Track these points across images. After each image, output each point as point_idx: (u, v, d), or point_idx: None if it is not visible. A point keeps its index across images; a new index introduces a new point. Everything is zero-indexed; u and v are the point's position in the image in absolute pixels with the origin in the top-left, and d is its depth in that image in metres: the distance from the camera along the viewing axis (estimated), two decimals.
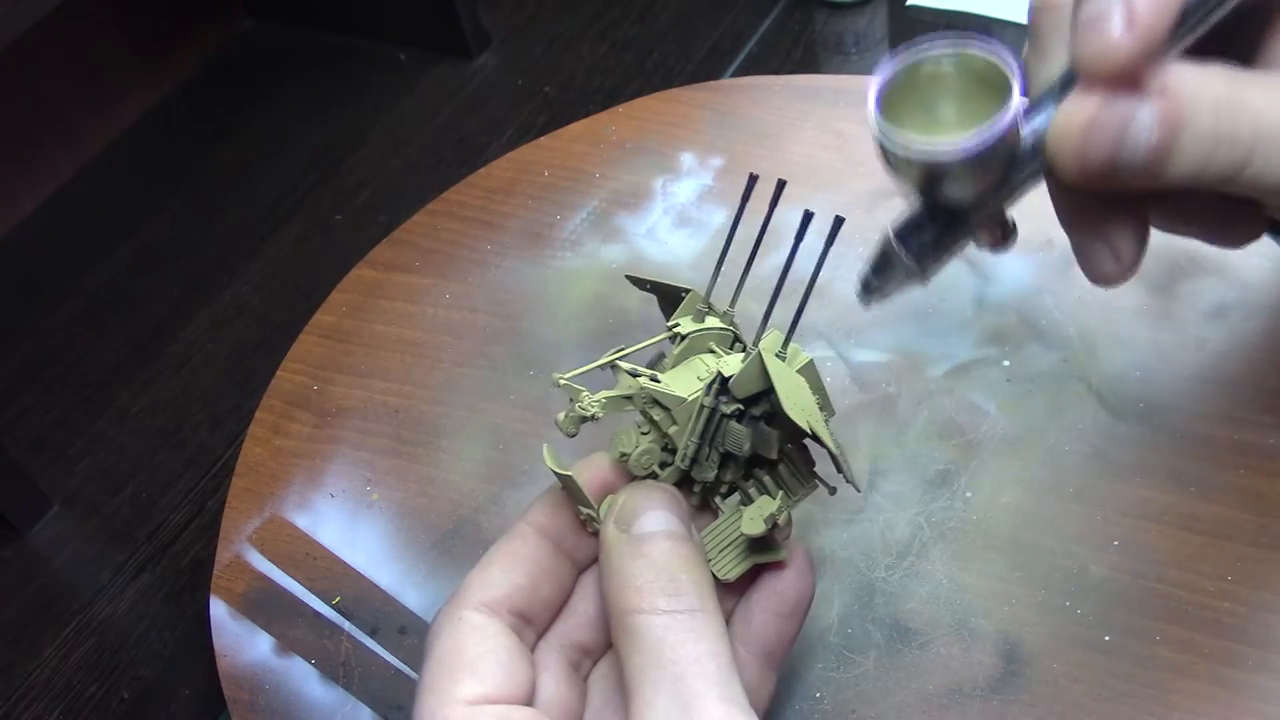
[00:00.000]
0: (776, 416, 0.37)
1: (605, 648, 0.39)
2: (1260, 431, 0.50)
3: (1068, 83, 0.33)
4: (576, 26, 1.09)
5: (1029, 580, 0.48)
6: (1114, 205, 0.36)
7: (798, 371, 0.38)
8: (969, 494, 0.50)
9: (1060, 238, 0.37)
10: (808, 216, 0.37)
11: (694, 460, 0.37)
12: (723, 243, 0.39)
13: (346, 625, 0.52)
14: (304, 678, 0.51)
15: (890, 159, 0.33)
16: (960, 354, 0.55)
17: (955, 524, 0.50)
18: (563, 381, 0.37)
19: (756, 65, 0.99)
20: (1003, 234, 0.38)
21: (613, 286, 0.61)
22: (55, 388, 0.89)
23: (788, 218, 0.63)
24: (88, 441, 0.84)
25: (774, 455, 0.38)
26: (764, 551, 0.38)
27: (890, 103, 0.33)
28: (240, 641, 0.52)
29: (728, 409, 0.37)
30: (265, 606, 0.53)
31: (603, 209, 0.66)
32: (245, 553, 0.55)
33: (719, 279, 0.40)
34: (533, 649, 0.37)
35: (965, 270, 0.57)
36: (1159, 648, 0.45)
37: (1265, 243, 0.53)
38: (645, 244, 0.63)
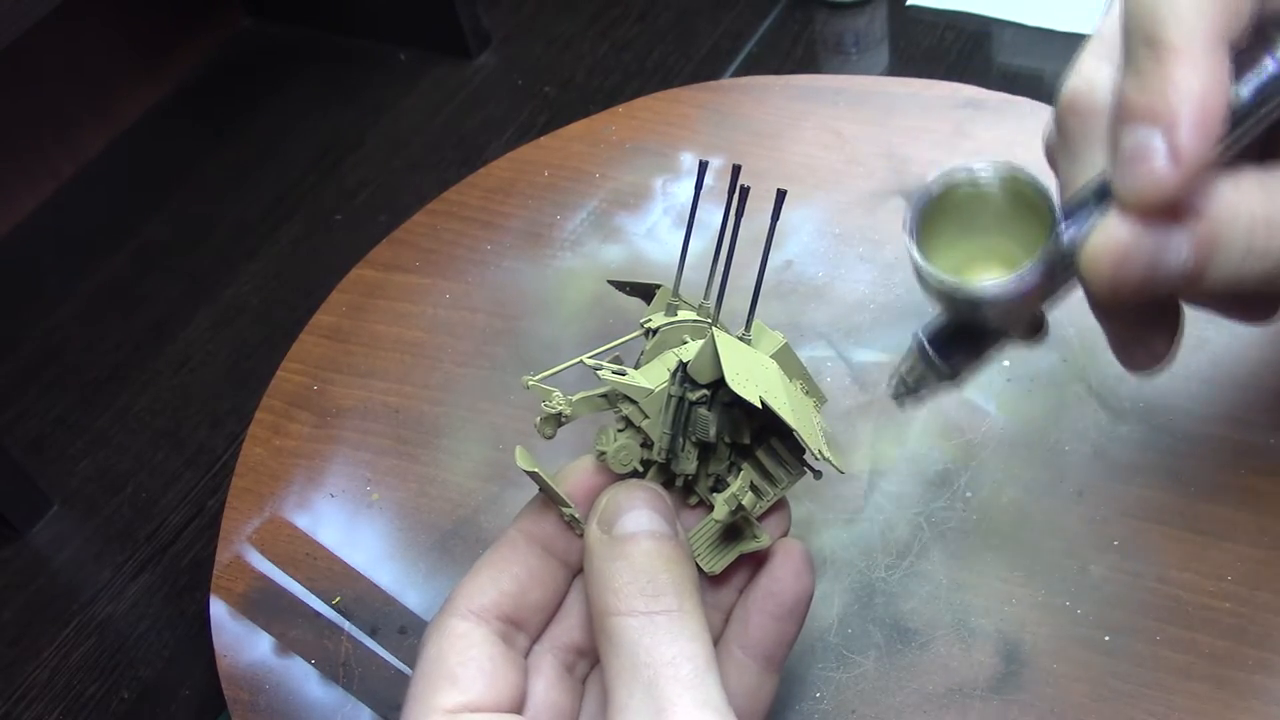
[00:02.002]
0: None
1: None
2: (1260, 432, 0.50)
3: (1102, 195, 0.32)
4: (576, 26, 1.09)
5: (1029, 580, 0.48)
6: (1148, 308, 0.35)
7: (773, 355, 0.38)
8: (969, 494, 0.50)
9: None
10: (781, 195, 0.38)
11: (671, 453, 0.37)
12: (714, 242, 0.39)
13: (346, 625, 0.52)
14: (304, 678, 0.51)
15: (926, 286, 0.33)
16: None
17: (955, 524, 0.50)
18: (531, 383, 0.37)
19: (756, 65, 0.99)
20: (1035, 331, 0.37)
21: (612, 287, 0.61)
22: (55, 388, 0.89)
23: (785, 217, 0.63)
24: (88, 441, 0.84)
25: (745, 440, 0.37)
26: (744, 540, 0.37)
27: (926, 217, 0.33)
28: (240, 641, 0.52)
29: (694, 395, 0.36)
30: (265, 606, 0.53)
31: (603, 209, 0.66)
32: (245, 553, 0.55)
33: (697, 273, 0.40)
34: (526, 654, 0.37)
35: None
36: (1159, 648, 0.45)
37: None
38: (645, 244, 0.63)
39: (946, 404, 0.53)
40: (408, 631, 0.51)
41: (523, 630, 0.37)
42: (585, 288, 0.62)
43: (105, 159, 1.09)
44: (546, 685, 0.37)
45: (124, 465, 0.82)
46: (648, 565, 0.34)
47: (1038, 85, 0.91)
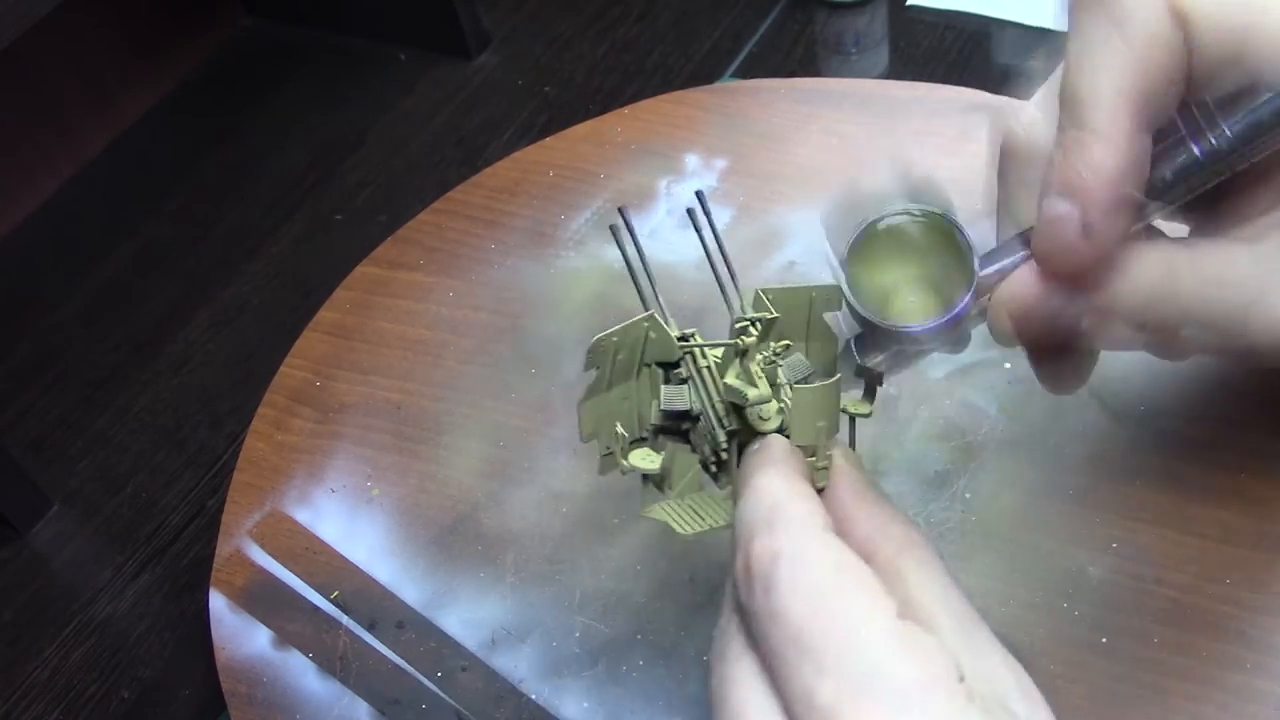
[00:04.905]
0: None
1: None
2: (1261, 436, 0.50)
3: (1026, 243, 0.35)
4: (576, 26, 1.09)
5: (1027, 581, 0.48)
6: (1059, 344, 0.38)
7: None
8: (968, 495, 0.50)
9: None
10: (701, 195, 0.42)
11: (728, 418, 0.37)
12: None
13: (345, 619, 0.52)
14: (302, 671, 0.51)
15: (854, 316, 0.37)
16: (961, 355, 0.55)
17: (954, 524, 0.50)
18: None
19: (756, 65, 0.99)
20: (958, 344, 0.41)
21: (615, 286, 0.61)
22: (55, 388, 0.88)
23: (788, 219, 0.64)
24: (88, 441, 0.84)
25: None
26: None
27: (857, 249, 0.37)
28: (239, 634, 0.52)
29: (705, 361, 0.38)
30: (264, 600, 0.53)
31: (607, 209, 0.66)
32: (245, 546, 0.55)
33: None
34: None
35: None
36: (1157, 650, 0.45)
37: None
38: (649, 245, 0.63)
39: (947, 405, 0.54)
40: (405, 626, 0.51)
41: None
42: (588, 287, 0.62)
43: (105, 159, 1.08)
44: None
45: (124, 465, 0.82)
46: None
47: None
